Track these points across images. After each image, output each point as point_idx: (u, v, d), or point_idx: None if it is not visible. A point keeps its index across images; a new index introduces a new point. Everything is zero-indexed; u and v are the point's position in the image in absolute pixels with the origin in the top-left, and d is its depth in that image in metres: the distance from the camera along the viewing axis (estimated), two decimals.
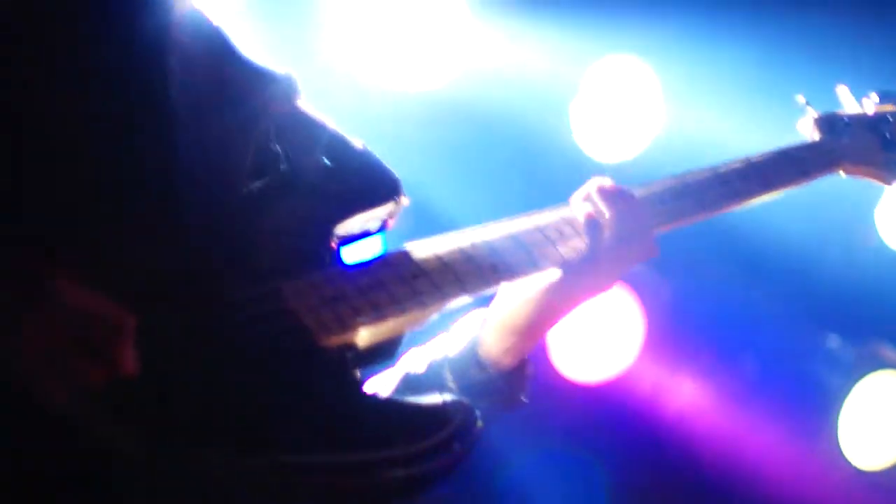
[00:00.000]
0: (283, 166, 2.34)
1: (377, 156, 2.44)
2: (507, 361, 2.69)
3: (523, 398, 2.73)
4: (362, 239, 2.43)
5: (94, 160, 2.10)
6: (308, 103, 2.44)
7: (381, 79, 5.13)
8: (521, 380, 2.72)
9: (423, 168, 4.75)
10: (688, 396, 5.82)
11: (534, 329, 2.69)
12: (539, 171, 5.35)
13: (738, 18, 5.59)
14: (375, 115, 4.87)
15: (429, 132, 5.11)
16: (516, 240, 2.59)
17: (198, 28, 2.38)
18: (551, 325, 2.70)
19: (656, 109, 5.71)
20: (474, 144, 5.27)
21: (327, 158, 2.39)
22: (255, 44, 2.45)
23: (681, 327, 5.74)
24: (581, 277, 2.64)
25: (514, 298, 2.66)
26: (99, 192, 2.10)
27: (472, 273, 2.47)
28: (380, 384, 2.66)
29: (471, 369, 2.67)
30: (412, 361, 2.71)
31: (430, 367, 2.69)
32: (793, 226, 5.28)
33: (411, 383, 2.67)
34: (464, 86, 5.23)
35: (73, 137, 2.08)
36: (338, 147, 2.42)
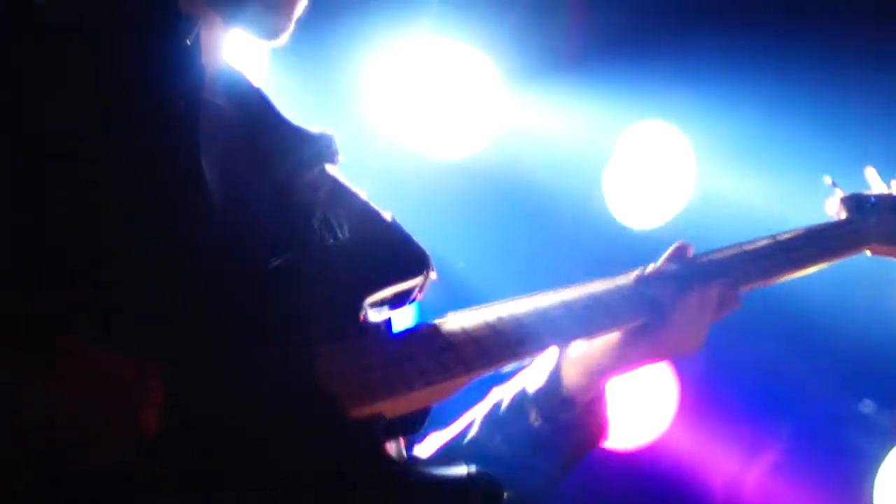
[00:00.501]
0: (316, 234, 2.34)
1: (406, 229, 2.43)
2: (589, 397, 2.71)
3: (609, 430, 2.75)
4: (390, 311, 2.41)
5: (114, 215, 2.07)
6: (340, 171, 2.43)
7: (412, 145, 5.16)
8: (604, 411, 2.75)
9: (453, 234, 4.75)
10: (721, 462, 5.77)
11: (610, 374, 2.72)
12: (569, 236, 5.35)
13: (770, 87, 5.59)
14: (406, 180, 4.89)
15: (460, 199, 5.12)
16: (543, 314, 2.57)
17: (233, 87, 2.39)
18: (628, 371, 2.74)
19: (688, 175, 5.71)
20: (505, 211, 5.28)
21: (358, 229, 2.39)
22: (290, 103, 2.45)
23: (714, 393, 5.70)
24: (651, 340, 2.70)
25: (592, 343, 2.69)
26: (118, 249, 2.07)
27: (499, 347, 2.45)
28: (462, 424, 2.69)
29: (557, 407, 2.69)
30: (494, 399, 2.72)
31: (513, 405, 2.70)
32: (822, 289, 5.24)
33: (493, 421, 2.68)
34: (495, 153, 5.25)
35: (91, 185, 2.06)
36: (368, 219, 2.42)
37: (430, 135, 5.18)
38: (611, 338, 2.70)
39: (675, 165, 5.71)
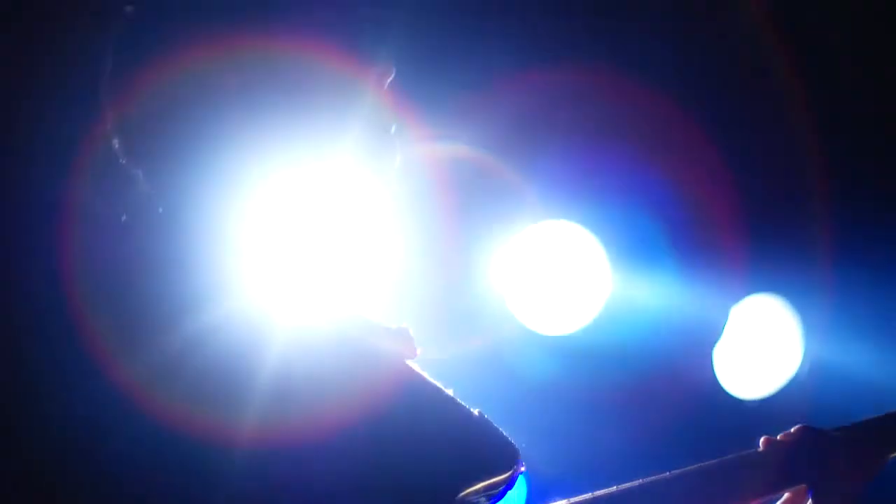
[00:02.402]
0: (402, 428, 2.27)
1: (494, 424, 2.35)
2: None
3: None
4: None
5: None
6: (417, 366, 2.37)
7: (521, 319, 5.12)
8: None
9: (561, 407, 4.68)
10: None
11: None
12: (677, 407, 5.25)
13: (876, 258, 5.49)
14: (514, 354, 4.86)
15: (569, 373, 5.06)
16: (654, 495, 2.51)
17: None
18: None
19: (795, 345, 5.60)
20: (614, 385, 5.20)
21: (444, 424, 2.32)
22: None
23: None
24: None
25: None
26: None
27: None
28: None
29: None
30: None
31: None
32: None
33: None
34: (601, 328, 5.20)
35: None
36: (455, 413, 2.34)
37: (539, 310, 5.14)
38: None
39: (783, 336, 5.62)
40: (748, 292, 5.57)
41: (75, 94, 2.29)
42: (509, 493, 2.33)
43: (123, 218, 2.16)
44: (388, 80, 2.27)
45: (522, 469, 2.33)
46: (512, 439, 2.33)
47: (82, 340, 2.05)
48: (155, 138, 2.17)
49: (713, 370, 5.51)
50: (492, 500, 2.31)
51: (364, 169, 2.26)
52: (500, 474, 2.29)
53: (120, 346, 2.05)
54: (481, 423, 2.35)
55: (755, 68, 5.22)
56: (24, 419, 2.04)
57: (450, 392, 2.37)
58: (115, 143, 2.20)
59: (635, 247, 5.28)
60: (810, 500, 2.59)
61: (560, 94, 5.01)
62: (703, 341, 5.50)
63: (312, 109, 2.18)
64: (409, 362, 2.33)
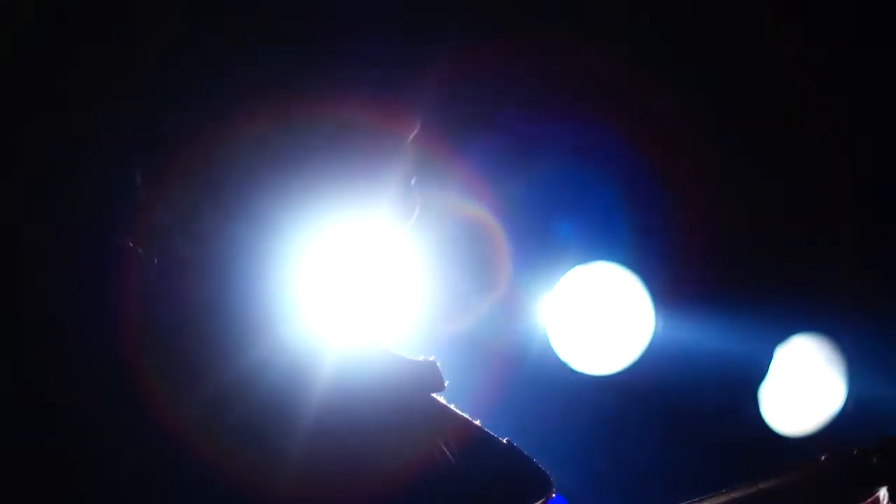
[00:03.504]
0: (428, 459, 2.28)
1: (525, 453, 2.36)
2: None
3: None
4: None
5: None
6: (444, 399, 2.38)
7: (566, 359, 5.13)
8: None
9: (607, 447, 4.67)
10: None
11: None
12: (724, 448, 5.22)
13: None
14: (558, 394, 4.86)
15: (614, 413, 5.05)
16: None
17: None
18: None
19: (839, 383, 5.56)
20: (659, 424, 5.18)
21: (474, 455, 2.32)
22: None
23: None
24: None
25: None
26: None
27: None
28: None
29: None
30: None
31: None
32: None
33: None
34: (645, 368, 5.19)
35: None
36: (484, 444, 2.35)
37: (584, 350, 5.15)
38: None
39: (827, 374, 5.57)
40: (793, 332, 5.54)
41: (118, 150, 2.32)
42: None
43: (156, 262, 2.20)
44: (413, 134, 2.29)
45: (554, 496, 2.33)
46: (543, 467, 2.34)
47: (132, 383, 2.09)
48: (195, 190, 2.19)
49: (759, 410, 5.48)
50: None
51: (388, 218, 2.29)
52: (534, 500, 2.31)
53: (167, 388, 2.07)
54: (513, 452, 2.36)
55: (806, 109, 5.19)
56: (72, 460, 2.08)
57: (477, 422, 2.39)
58: (155, 201, 2.24)
59: (679, 287, 5.26)
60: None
61: (598, 142, 5.04)
62: (749, 381, 5.47)
63: (340, 163, 2.20)
64: (436, 395, 2.36)
